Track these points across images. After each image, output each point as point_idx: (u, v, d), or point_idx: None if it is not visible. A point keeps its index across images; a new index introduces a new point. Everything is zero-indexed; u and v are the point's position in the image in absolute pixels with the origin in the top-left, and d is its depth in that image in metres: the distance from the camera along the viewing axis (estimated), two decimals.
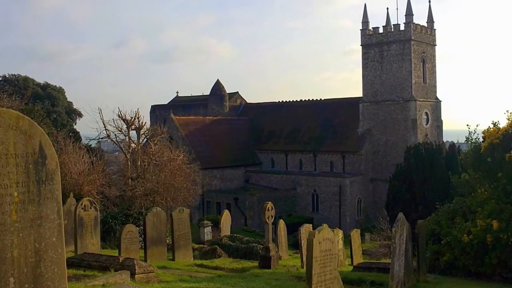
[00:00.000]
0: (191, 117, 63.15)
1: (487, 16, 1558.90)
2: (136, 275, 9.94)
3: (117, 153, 49.11)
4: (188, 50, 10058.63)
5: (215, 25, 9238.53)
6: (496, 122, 14.68)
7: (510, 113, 14.35)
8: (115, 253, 14.77)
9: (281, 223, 20.08)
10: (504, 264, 13.29)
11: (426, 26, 56.84)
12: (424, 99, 55.26)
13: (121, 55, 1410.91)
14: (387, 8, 58.01)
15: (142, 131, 27.73)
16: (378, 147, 55.62)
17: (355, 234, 19.50)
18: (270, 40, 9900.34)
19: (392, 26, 55.64)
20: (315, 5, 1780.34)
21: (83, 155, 24.03)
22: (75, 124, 60.74)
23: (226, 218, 27.98)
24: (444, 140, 56.80)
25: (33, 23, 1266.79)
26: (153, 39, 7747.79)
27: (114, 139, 27.02)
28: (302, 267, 15.18)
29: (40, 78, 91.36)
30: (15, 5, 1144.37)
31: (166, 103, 79.59)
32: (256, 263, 15.82)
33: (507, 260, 13.14)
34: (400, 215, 10.92)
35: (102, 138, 27.74)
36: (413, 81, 53.61)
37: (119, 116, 26.47)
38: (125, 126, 26.69)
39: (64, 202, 15.62)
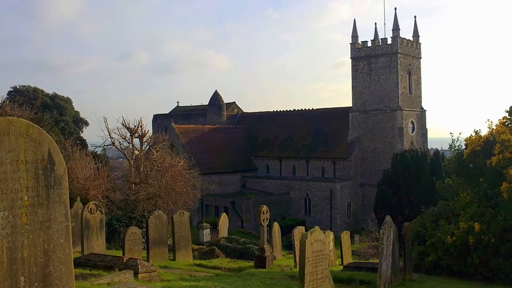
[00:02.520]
0: (191, 126, 63.11)
1: (466, 31, 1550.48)
2: (139, 274, 9.92)
3: (121, 159, 49.05)
4: (188, 63, 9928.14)
5: (213, 39, 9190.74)
6: (477, 131, 14.75)
7: (491, 122, 14.43)
8: (119, 253, 14.73)
9: (276, 225, 20.07)
10: (485, 264, 13.30)
11: (412, 40, 57.03)
12: (410, 109, 55.37)
13: (125, 67, 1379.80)
14: (375, 23, 58.25)
15: (144, 139, 27.69)
16: (366, 154, 55.67)
17: (345, 235, 19.50)
18: (265, 52, 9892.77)
19: (380, 40, 55.81)
20: (308, 20, 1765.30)
21: (89, 162, 23.98)
22: (82, 132, 60.66)
23: (223, 221, 27.97)
24: (429, 147, 56.97)
25: (42, 38, 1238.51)
26: (155, 52, 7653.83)
27: (118, 146, 26.97)
28: (295, 266, 15.17)
29: (49, 89, 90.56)
30: (26, 21, 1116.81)
31: (167, 112, 79.54)
32: (252, 263, 15.78)
33: (488, 260, 13.16)
34: (388, 218, 10.94)
35: (107, 145, 27.67)
36: (400, 92, 53.74)
37: (123, 125, 26.45)
38: (128, 134, 26.66)
39: (71, 205, 15.57)
